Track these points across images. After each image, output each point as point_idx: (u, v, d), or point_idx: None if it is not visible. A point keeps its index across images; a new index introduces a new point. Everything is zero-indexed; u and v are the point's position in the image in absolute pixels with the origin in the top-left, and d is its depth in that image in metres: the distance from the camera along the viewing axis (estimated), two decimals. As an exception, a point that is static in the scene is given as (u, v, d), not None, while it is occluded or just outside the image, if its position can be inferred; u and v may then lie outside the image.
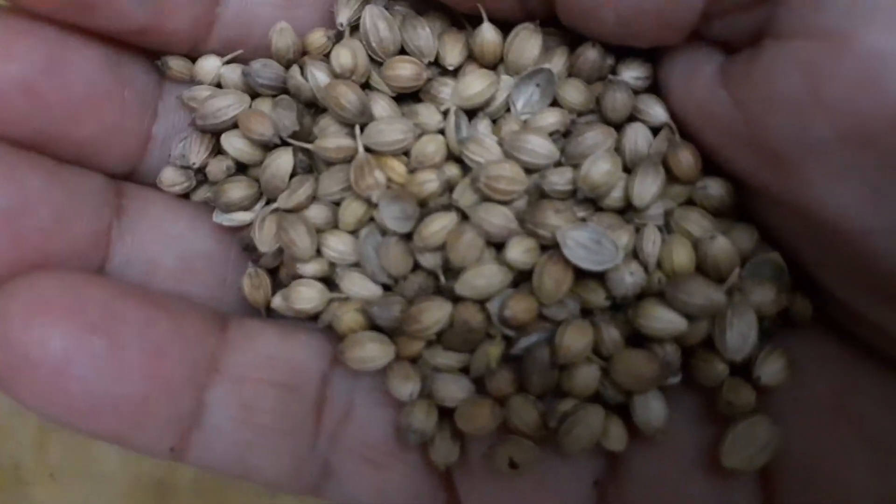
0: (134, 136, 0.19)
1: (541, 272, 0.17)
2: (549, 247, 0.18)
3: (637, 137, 0.18)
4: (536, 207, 0.18)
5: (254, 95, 0.20)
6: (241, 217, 0.19)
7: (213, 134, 0.19)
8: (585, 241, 0.17)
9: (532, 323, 0.18)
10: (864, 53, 0.13)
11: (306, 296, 0.19)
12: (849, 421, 0.17)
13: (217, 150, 0.20)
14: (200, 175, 0.20)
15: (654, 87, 0.19)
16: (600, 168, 0.18)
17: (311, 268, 0.19)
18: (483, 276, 0.18)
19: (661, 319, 0.17)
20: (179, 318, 0.18)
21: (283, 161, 0.19)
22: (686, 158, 0.18)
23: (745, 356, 0.17)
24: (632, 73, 0.19)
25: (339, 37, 0.19)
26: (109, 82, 0.18)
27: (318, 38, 0.19)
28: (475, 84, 0.19)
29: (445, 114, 0.19)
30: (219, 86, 0.20)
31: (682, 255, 0.18)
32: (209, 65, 0.19)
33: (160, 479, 0.32)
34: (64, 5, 0.17)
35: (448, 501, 0.19)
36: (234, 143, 0.19)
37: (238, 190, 0.19)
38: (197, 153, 0.19)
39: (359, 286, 0.19)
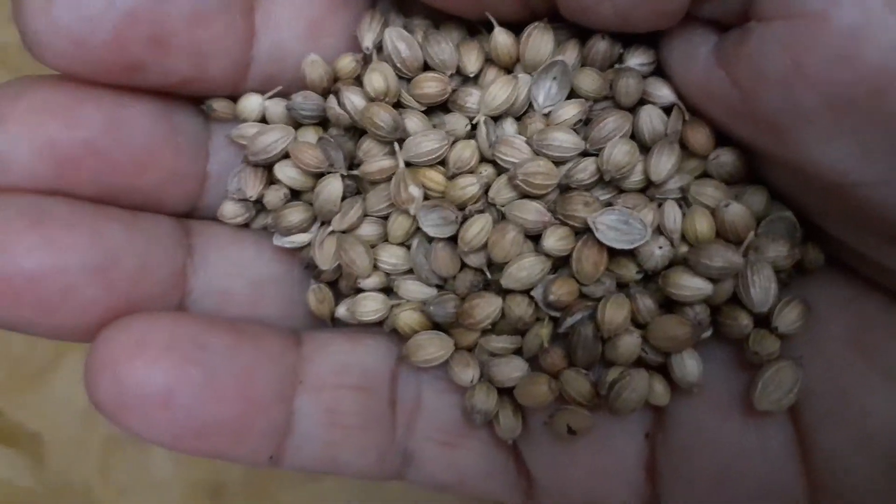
0: (191, 177, 0.21)
1: (578, 257, 0.19)
2: (582, 232, 0.20)
3: (652, 119, 0.20)
4: (565, 200, 0.20)
5: (297, 126, 0.21)
6: (300, 239, 0.21)
7: (265, 166, 0.21)
8: (615, 224, 0.19)
9: (575, 303, 0.20)
10: (839, 30, 0.15)
11: (370, 307, 0.21)
12: (864, 354, 0.19)
13: (270, 181, 0.21)
14: (258, 205, 0.21)
15: (658, 71, 0.21)
16: (622, 149, 0.19)
17: (371, 282, 0.21)
18: (525, 268, 0.20)
19: (689, 286, 0.19)
20: (260, 340, 0.20)
21: (333, 187, 0.20)
22: (701, 133, 0.20)
23: (769, 307, 0.19)
24: (638, 60, 0.20)
25: (366, 59, 0.21)
26: (164, 132, 0.20)
27: (347, 63, 0.21)
28: (499, 94, 0.20)
29: (474, 122, 0.20)
30: (263, 120, 0.21)
31: (702, 225, 0.19)
32: (251, 103, 0.21)
33: (213, 481, 0.35)
34: (115, 71, 0.18)
35: (518, 470, 0.21)
36: (287, 174, 0.21)
37: (295, 215, 0.21)
38: (253, 186, 0.21)
39: (414, 291, 0.21)
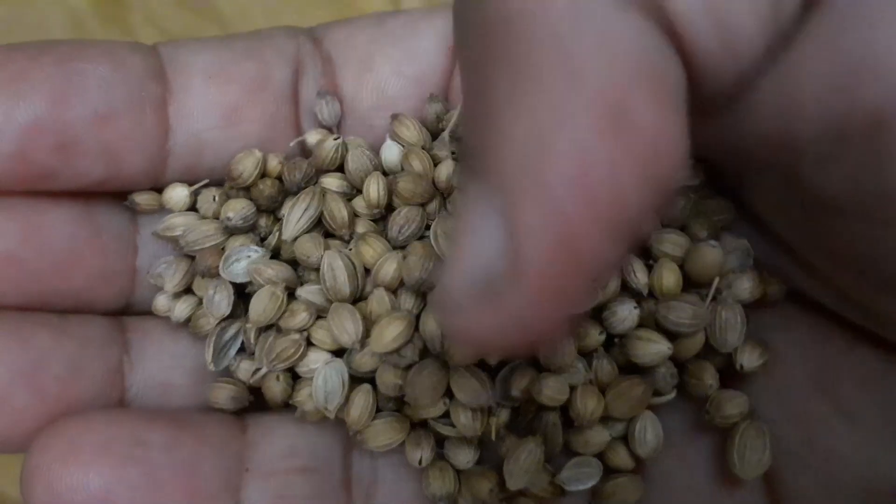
0: (120, 274, 0.20)
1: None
2: None
3: None
4: None
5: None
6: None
7: (192, 258, 0.20)
8: None
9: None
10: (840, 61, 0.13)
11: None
12: (827, 397, 0.18)
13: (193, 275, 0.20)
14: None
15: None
16: None
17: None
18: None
19: (649, 352, 0.18)
20: (202, 430, 0.19)
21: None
22: None
23: (738, 344, 0.18)
24: None
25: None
26: (86, 233, 0.19)
27: (274, 165, 0.20)
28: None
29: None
30: (192, 209, 0.21)
31: (669, 280, 0.19)
32: (178, 194, 0.20)
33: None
34: (24, 180, 0.18)
35: None
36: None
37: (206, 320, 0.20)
38: (173, 282, 0.20)
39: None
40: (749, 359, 0.19)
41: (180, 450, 0.18)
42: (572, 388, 0.19)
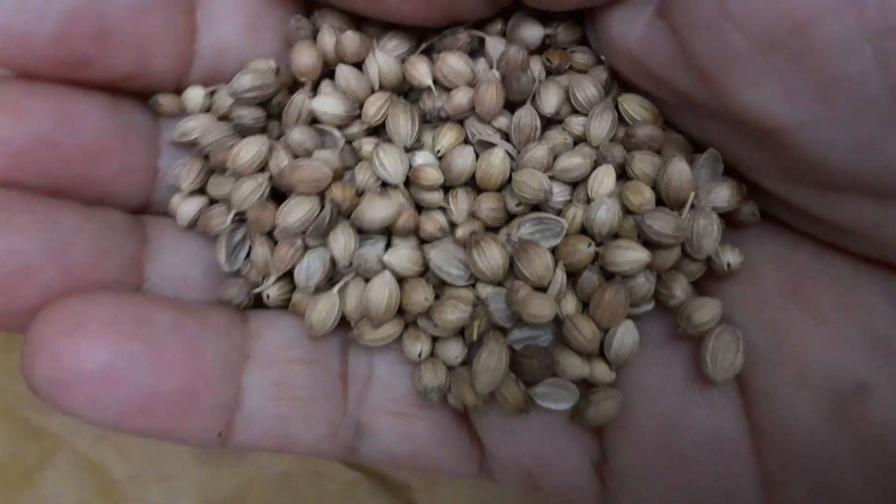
0: (143, 172, 0.22)
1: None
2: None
3: (586, 88, 0.21)
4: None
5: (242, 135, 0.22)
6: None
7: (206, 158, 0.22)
8: (532, 229, 0.20)
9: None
10: None
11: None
12: (797, 303, 0.19)
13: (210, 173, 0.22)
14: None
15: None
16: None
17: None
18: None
19: (627, 260, 0.19)
20: (206, 317, 0.20)
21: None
22: (635, 101, 0.20)
23: (712, 251, 0.19)
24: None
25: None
26: (114, 127, 0.21)
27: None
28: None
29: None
30: (208, 110, 0.22)
31: (645, 194, 0.20)
32: (195, 94, 0.22)
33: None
34: (60, 66, 0.19)
35: (471, 440, 0.21)
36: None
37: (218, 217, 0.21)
38: (188, 181, 0.21)
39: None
40: (732, 256, 0.19)
41: (185, 332, 0.19)
42: (563, 318, 0.19)
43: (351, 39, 0.21)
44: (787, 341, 0.19)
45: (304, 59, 0.21)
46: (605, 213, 0.19)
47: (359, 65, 0.22)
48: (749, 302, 0.20)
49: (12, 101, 0.19)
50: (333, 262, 0.20)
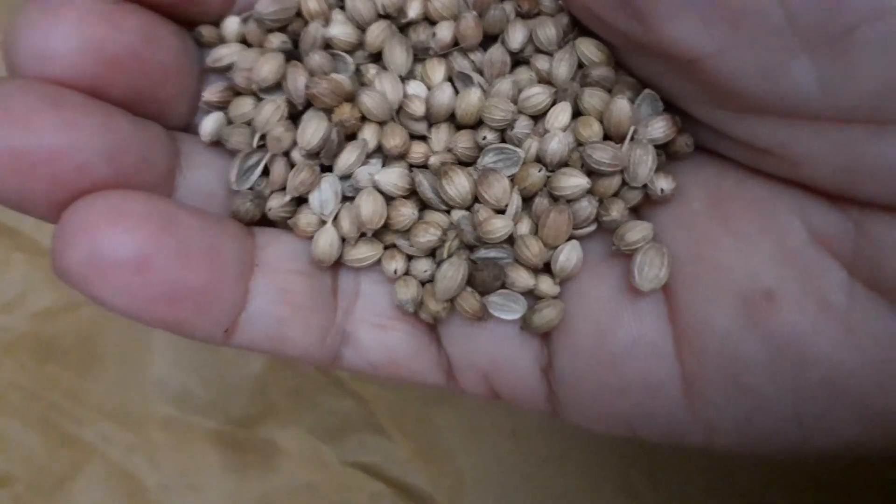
0: (193, 95, 0.23)
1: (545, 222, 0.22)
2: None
3: (547, 31, 0.23)
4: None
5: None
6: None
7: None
8: (494, 160, 0.23)
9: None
10: None
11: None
12: (719, 222, 0.21)
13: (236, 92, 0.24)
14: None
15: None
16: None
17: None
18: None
19: (569, 185, 0.22)
20: (223, 224, 0.22)
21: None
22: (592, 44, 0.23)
23: (647, 178, 0.22)
24: None
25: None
26: (182, 50, 0.22)
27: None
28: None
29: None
30: (242, 41, 0.24)
31: (593, 127, 0.22)
32: (231, 23, 0.24)
33: None
34: None
35: (438, 350, 0.24)
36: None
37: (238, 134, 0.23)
38: (211, 93, 0.23)
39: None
40: (665, 182, 0.22)
41: (207, 234, 0.21)
42: (515, 237, 0.22)
43: None
44: (707, 256, 0.21)
45: (312, 5, 0.23)
46: (556, 144, 0.22)
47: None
48: (678, 223, 0.22)
49: (108, 13, 0.20)
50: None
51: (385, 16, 0.24)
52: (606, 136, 0.22)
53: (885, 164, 0.17)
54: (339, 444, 0.37)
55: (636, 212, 0.23)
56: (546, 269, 0.22)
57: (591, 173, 0.22)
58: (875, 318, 0.18)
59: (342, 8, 0.24)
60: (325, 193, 0.23)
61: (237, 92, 0.24)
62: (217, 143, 0.23)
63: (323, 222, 0.23)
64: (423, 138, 0.23)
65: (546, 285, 0.22)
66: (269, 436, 0.37)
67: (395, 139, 0.22)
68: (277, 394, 0.37)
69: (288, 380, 0.37)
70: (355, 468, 0.37)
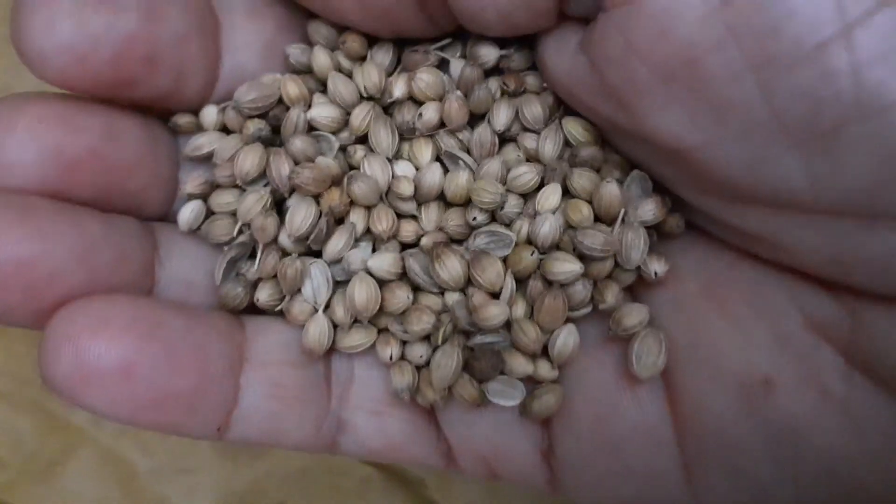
0: (168, 182, 0.23)
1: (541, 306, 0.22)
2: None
3: (532, 109, 0.23)
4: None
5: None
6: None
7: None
8: (486, 241, 0.22)
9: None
10: (655, 10, 0.17)
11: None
12: (715, 306, 0.21)
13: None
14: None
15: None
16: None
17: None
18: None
19: (563, 271, 0.21)
20: (210, 321, 0.22)
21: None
22: (579, 123, 0.23)
23: (640, 261, 0.22)
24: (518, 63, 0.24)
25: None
26: (149, 141, 0.22)
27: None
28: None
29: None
30: (222, 129, 0.24)
31: (584, 211, 0.22)
32: (210, 112, 0.23)
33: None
34: (111, 86, 0.20)
35: (437, 435, 0.24)
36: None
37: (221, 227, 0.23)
38: (192, 186, 0.23)
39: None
40: (658, 265, 0.22)
41: (194, 335, 0.21)
42: (512, 321, 0.22)
43: (357, 42, 0.23)
44: (704, 340, 0.21)
45: (293, 90, 0.23)
46: (547, 228, 0.21)
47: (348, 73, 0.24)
48: (673, 305, 0.22)
49: (65, 116, 0.20)
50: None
51: (367, 98, 0.24)
52: (597, 217, 0.22)
53: (875, 256, 0.17)
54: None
55: (631, 291, 0.23)
56: (544, 352, 0.22)
57: (582, 257, 0.22)
58: (874, 408, 0.18)
59: (323, 92, 0.24)
60: (317, 281, 0.22)
61: (218, 184, 0.23)
62: (197, 230, 0.23)
63: (315, 310, 0.22)
64: (413, 216, 0.23)
65: (544, 370, 0.22)
66: (260, 420, 0.37)
67: (383, 223, 0.22)
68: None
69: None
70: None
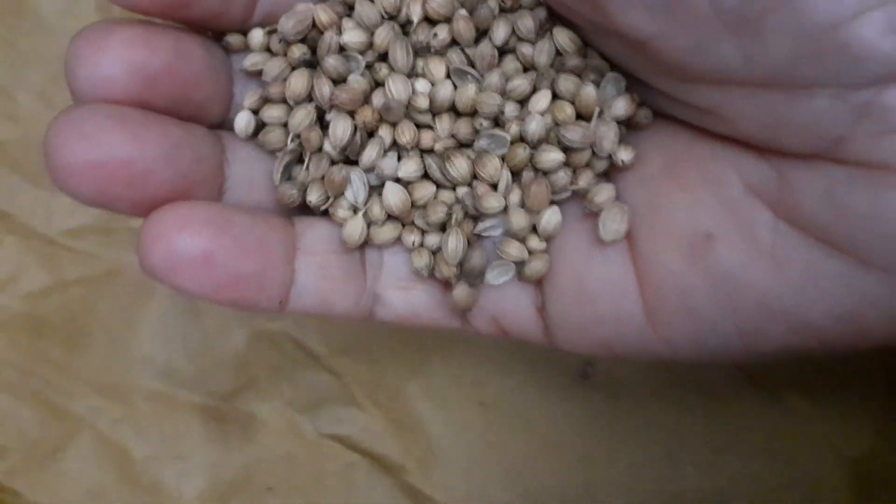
0: (225, 96, 0.27)
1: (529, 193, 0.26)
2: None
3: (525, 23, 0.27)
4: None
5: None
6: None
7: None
8: (486, 143, 0.26)
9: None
10: None
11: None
12: (672, 179, 0.25)
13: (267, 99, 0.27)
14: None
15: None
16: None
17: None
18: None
19: (548, 159, 0.26)
20: (268, 219, 0.26)
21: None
22: (567, 34, 0.26)
23: (612, 151, 0.26)
24: None
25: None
26: (210, 58, 0.25)
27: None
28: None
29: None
30: (267, 51, 0.27)
31: (568, 110, 0.26)
32: (257, 34, 0.27)
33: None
34: (170, 7, 0.23)
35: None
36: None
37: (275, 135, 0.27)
38: (251, 100, 0.27)
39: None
40: (625, 154, 0.26)
41: (256, 229, 0.25)
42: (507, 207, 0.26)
43: None
44: (661, 209, 0.25)
45: (324, 17, 0.27)
46: (534, 126, 0.26)
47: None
48: (638, 183, 0.26)
49: (144, 38, 0.23)
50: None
51: (390, 16, 0.27)
52: (579, 116, 0.26)
53: (797, 119, 0.21)
54: (316, 416, 0.39)
55: (606, 176, 0.27)
56: (533, 229, 0.27)
57: (566, 149, 0.26)
58: (796, 250, 0.22)
59: (349, 16, 0.27)
60: (356, 185, 0.27)
61: (269, 99, 0.27)
62: (252, 137, 0.27)
63: (356, 209, 0.27)
64: (429, 126, 0.27)
65: (534, 242, 0.27)
66: (249, 408, 0.38)
67: (406, 136, 0.26)
68: (258, 369, 0.39)
69: (268, 356, 0.39)
70: (331, 439, 0.38)
